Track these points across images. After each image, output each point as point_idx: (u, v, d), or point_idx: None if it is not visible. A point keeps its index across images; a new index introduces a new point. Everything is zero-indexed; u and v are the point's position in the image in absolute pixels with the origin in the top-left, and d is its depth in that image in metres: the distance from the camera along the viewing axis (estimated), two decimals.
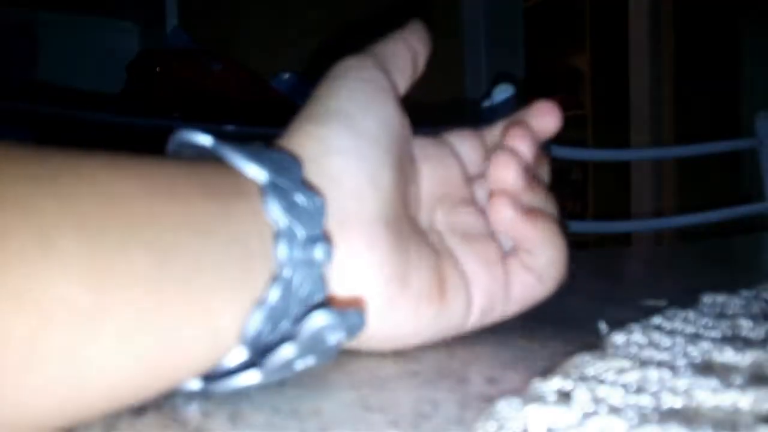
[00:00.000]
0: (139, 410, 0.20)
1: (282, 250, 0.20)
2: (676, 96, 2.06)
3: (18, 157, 0.17)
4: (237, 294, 0.19)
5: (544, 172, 0.29)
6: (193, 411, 0.20)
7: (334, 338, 0.20)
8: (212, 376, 0.20)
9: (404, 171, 0.25)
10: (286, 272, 0.20)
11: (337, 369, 0.24)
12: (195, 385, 0.20)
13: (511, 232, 0.26)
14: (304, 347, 0.20)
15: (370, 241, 0.23)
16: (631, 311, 0.31)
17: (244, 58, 1.48)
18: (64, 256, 0.16)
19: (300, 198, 0.21)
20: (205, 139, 0.22)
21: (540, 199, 0.27)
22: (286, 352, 0.20)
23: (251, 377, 0.20)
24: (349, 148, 0.23)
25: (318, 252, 0.21)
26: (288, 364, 0.20)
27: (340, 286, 0.22)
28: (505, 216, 0.26)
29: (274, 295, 0.20)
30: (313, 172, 0.22)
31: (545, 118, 0.28)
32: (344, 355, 0.26)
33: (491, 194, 0.27)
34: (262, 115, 1.24)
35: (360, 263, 0.22)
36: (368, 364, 0.25)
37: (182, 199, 0.19)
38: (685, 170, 1.97)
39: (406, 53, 0.26)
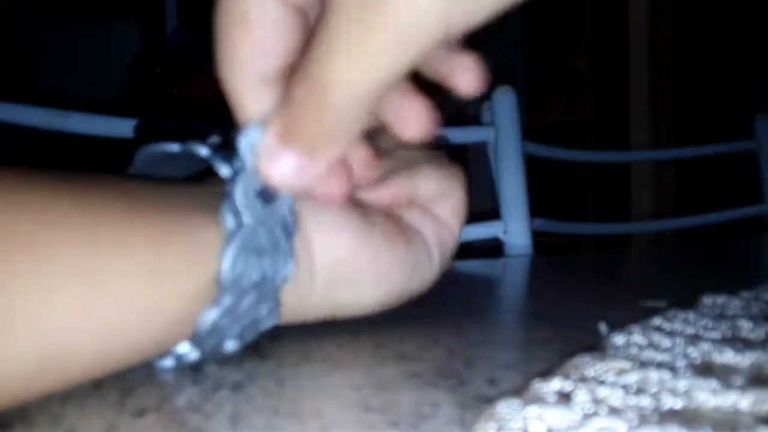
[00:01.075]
0: (139, 411, 0.20)
1: (221, 168, 0.24)
2: (676, 98, 2.06)
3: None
4: (207, 201, 0.23)
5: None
6: (193, 412, 0.20)
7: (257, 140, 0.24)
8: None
9: None
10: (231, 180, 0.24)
11: (338, 370, 0.24)
12: (211, 312, 0.22)
13: (384, 201, 0.29)
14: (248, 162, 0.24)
15: None
16: (631, 312, 0.31)
17: None
18: (47, 185, 0.20)
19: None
20: (173, 146, 0.25)
21: (393, 161, 0.30)
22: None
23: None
24: None
25: (248, 157, 0.24)
26: (254, 181, 0.24)
27: (317, 232, 0.26)
28: (369, 198, 0.28)
29: (233, 189, 0.23)
30: None
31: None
32: (344, 356, 0.26)
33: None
34: None
35: (321, 208, 0.26)
36: (368, 365, 0.25)
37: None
38: (684, 172, 1.97)
39: None
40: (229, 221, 0.23)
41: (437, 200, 0.30)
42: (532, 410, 0.18)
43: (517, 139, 0.79)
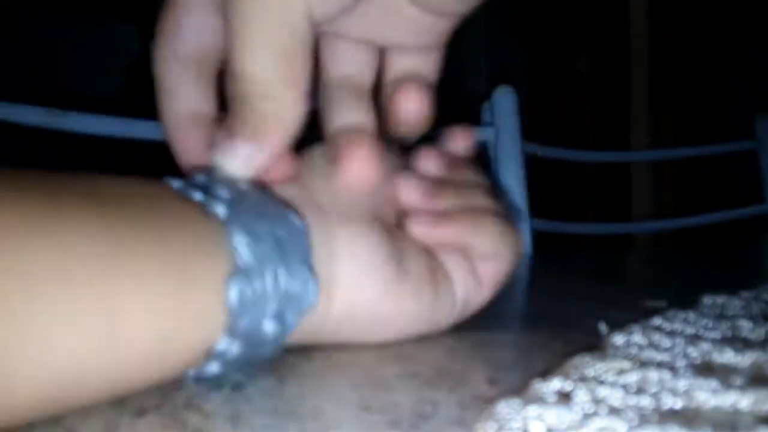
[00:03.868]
0: (139, 411, 0.20)
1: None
2: (676, 98, 2.06)
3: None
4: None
5: (473, 174, 0.31)
6: (193, 412, 0.20)
7: None
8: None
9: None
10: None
11: (337, 370, 0.24)
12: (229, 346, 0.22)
13: (432, 240, 0.28)
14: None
15: (368, 228, 0.26)
16: (631, 312, 0.31)
17: None
18: (74, 201, 0.19)
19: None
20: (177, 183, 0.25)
21: (457, 198, 0.29)
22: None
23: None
24: None
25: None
26: None
27: (350, 265, 0.25)
28: (418, 232, 0.28)
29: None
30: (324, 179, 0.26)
31: (456, 140, 0.31)
32: (344, 356, 0.26)
33: (404, 213, 0.28)
34: None
35: (361, 243, 0.26)
36: (368, 365, 0.25)
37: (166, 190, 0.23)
38: (684, 172, 1.97)
39: None
40: (224, 204, 0.22)
41: (485, 257, 0.29)
42: (532, 410, 0.18)
43: (517, 139, 0.79)
